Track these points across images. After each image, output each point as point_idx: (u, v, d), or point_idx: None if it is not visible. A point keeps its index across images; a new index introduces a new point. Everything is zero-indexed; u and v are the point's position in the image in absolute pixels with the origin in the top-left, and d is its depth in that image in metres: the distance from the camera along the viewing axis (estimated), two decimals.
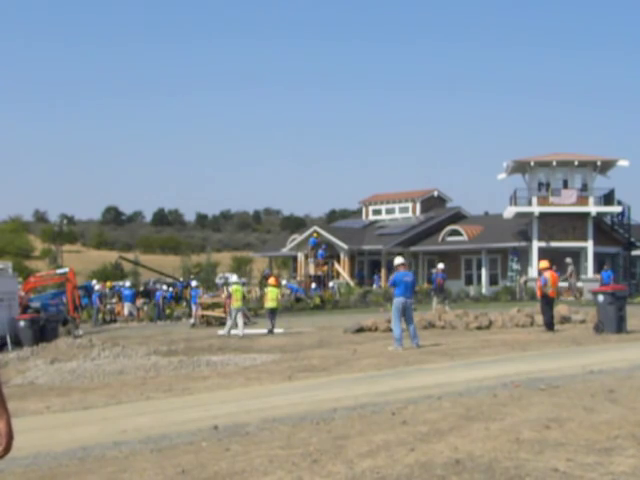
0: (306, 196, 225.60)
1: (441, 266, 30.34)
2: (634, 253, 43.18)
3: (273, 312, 23.24)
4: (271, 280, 25.95)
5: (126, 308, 34.19)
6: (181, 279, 41.50)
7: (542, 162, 40.99)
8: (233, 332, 21.99)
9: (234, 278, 24.41)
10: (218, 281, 55.33)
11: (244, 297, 23.40)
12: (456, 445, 6.55)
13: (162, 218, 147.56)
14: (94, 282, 39.18)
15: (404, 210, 51.10)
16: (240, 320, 22.17)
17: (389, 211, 51.81)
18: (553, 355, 13.97)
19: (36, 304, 28.76)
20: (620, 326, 17.63)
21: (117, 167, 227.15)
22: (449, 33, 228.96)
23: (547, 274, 19.20)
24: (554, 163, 40.59)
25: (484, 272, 43.64)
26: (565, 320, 21.83)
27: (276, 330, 22.91)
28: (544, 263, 20.07)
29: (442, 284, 29.49)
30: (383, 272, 47.17)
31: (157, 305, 34.34)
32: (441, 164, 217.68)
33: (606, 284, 32.00)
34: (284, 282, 44.90)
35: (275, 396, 10.26)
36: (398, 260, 16.44)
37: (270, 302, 23.30)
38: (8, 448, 3.67)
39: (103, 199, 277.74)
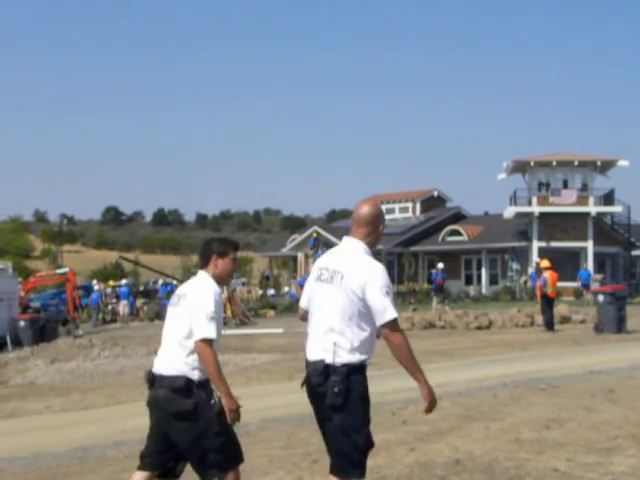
0: (306, 196, 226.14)
1: (441, 266, 30.31)
2: (634, 253, 43.15)
3: None
4: None
5: (121, 305, 34.12)
6: (181, 279, 41.45)
7: (542, 162, 40.94)
8: None
9: None
10: None
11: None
12: (456, 445, 6.54)
13: (162, 218, 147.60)
14: (94, 282, 39.10)
15: (404, 210, 51.03)
16: None
17: (389, 211, 51.68)
18: (553, 355, 13.96)
19: (36, 304, 28.69)
20: (620, 326, 17.64)
21: (117, 167, 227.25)
22: (448, 34, 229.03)
23: (547, 274, 19.19)
24: (554, 163, 40.52)
25: (484, 272, 43.61)
26: (565, 320, 21.84)
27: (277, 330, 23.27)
28: (545, 262, 20.06)
29: (442, 284, 29.48)
30: None
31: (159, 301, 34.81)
32: (441, 164, 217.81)
33: (585, 284, 32.14)
34: (285, 289, 45.06)
35: (275, 396, 10.25)
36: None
37: None
38: (431, 407, 3.87)
39: (103, 199, 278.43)
